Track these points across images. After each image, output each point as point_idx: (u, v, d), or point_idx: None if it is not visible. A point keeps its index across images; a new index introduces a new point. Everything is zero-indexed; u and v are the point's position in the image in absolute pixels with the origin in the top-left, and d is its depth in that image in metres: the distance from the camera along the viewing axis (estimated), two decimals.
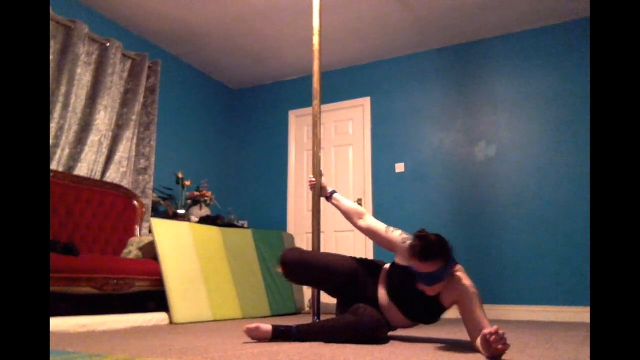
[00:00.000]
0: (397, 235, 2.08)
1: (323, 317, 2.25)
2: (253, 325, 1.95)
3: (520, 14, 4.15)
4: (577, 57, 4.16)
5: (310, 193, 5.02)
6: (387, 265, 2.16)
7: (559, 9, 4.08)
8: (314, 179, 2.53)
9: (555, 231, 3.98)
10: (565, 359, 1.60)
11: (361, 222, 2.22)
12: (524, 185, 4.17)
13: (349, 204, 2.33)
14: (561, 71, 4.21)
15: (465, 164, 4.44)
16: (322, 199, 2.56)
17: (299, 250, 2.27)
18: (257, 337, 1.95)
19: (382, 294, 2.07)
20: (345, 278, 2.12)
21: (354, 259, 2.24)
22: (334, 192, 2.42)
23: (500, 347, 1.54)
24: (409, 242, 1.99)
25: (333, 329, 1.95)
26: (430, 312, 2.00)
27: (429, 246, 1.80)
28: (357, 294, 2.11)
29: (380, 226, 2.15)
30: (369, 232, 2.18)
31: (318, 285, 2.34)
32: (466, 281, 1.88)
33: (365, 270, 2.17)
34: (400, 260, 2.04)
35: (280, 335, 1.94)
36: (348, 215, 2.30)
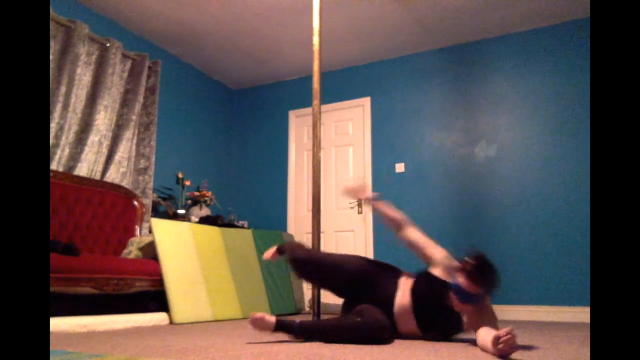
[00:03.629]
0: (439, 251, 2.14)
1: (323, 317, 2.26)
2: (259, 314, 1.94)
3: (520, 14, 4.15)
4: (577, 57, 4.16)
5: (310, 193, 5.03)
6: (409, 273, 2.19)
7: (559, 9, 4.08)
8: (359, 190, 2.40)
9: (555, 231, 3.98)
10: (566, 359, 1.60)
11: (408, 233, 2.24)
12: (524, 185, 4.17)
13: (397, 212, 2.32)
14: (561, 71, 4.21)
15: (465, 164, 4.44)
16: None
17: (307, 249, 2.26)
18: (261, 327, 1.94)
19: (402, 298, 2.07)
20: (354, 276, 2.13)
21: (364, 258, 2.26)
22: (377, 198, 2.37)
23: (509, 348, 1.57)
24: (455, 261, 2.05)
25: (336, 328, 1.95)
26: (445, 326, 2.02)
27: (483, 269, 1.85)
28: (367, 294, 2.11)
29: (426, 241, 2.19)
30: (413, 244, 2.21)
31: (326, 284, 2.31)
32: (492, 312, 1.95)
33: (381, 271, 2.18)
34: (437, 272, 2.07)
35: (283, 328, 1.94)
36: (394, 223, 2.28)
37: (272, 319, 1.95)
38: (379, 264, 2.23)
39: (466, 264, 1.87)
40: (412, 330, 2.08)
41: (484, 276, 1.84)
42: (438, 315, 1.99)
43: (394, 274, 2.19)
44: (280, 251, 2.35)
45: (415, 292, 2.06)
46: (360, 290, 2.13)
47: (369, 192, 2.39)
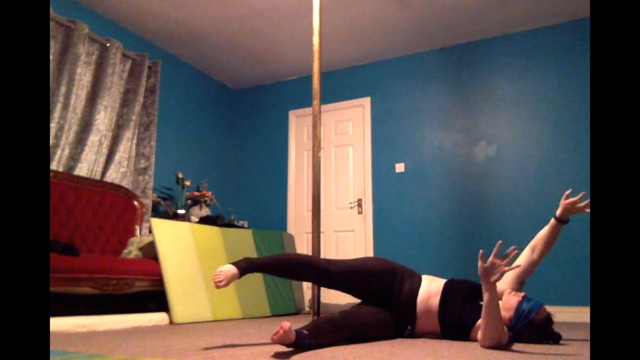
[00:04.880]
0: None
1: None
2: (285, 327, 1.66)
3: (520, 14, 4.15)
4: (577, 57, 4.16)
5: (310, 193, 5.04)
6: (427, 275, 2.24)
7: (559, 9, 4.08)
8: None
9: None
10: (566, 359, 1.60)
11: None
12: (524, 185, 4.17)
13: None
14: (561, 71, 4.21)
15: (465, 164, 4.44)
16: None
17: (324, 260, 2.22)
18: (285, 341, 1.69)
19: (428, 293, 2.12)
20: (378, 276, 2.17)
21: (378, 258, 2.29)
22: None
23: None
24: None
25: (337, 326, 1.96)
26: (466, 325, 2.02)
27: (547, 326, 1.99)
28: (390, 291, 2.15)
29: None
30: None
31: (351, 289, 2.26)
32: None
33: (400, 268, 2.23)
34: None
35: (298, 344, 1.74)
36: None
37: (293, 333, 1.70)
38: (394, 263, 2.27)
39: (546, 319, 1.98)
40: (432, 326, 2.11)
41: (535, 333, 1.97)
42: (463, 311, 2.01)
43: (412, 272, 2.24)
44: (242, 270, 2.01)
45: (451, 285, 2.10)
46: (384, 288, 2.15)
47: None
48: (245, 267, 2.02)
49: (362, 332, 2.00)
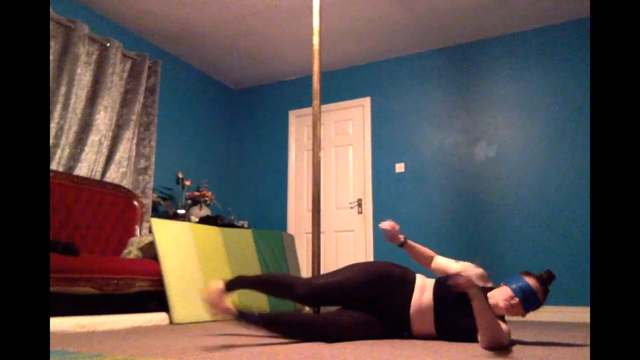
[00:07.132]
0: (467, 264, 2.20)
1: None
2: (215, 289, 2.00)
3: (520, 14, 4.15)
4: (577, 57, 4.16)
5: (310, 193, 5.04)
6: (421, 275, 2.21)
7: (559, 9, 4.08)
8: (388, 227, 2.34)
9: (555, 231, 3.98)
10: (566, 359, 1.60)
11: (433, 264, 2.32)
12: (524, 185, 4.17)
13: (423, 248, 2.40)
14: (561, 71, 4.21)
15: (465, 164, 4.44)
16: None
17: (308, 279, 2.20)
18: (218, 306, 2.01)
19: (420, 297, 2.08)
20: (366, 287, 2.11)
21: (369, 263, 2.23)
22: (406, 239, 2.38)
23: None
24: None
25: (290, 321, 2.01)
26: (463, 327, 2.00)
27: (551, 283, 2.00)
28: (382, 298, 2.11)
29: (450, 263, 2.26)
30: (440, 270, 2.29)
31: (341, 303, 2.24)
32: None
33: (392, 272, 2.16)
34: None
35: (244, 317, 1.97)
36: (421, 257, 2.37)
37: (232, 307, 1.98)
38: (388, 265, 2.20)
39: (544, 274, 1.99)
40: (428, 330, 2.08)
41: (548, 289, 1.97)
42: (458, 316, 1.99)
43: (404, 275, 2.17)
44: (229, 287, 2.18)
45: (439, 289, 2.06)
46: (370, 297, 2.12)
47: (400, 238, 2.35)
48: (232, 280, 2.17)
49: (340, 336, 2.01)
